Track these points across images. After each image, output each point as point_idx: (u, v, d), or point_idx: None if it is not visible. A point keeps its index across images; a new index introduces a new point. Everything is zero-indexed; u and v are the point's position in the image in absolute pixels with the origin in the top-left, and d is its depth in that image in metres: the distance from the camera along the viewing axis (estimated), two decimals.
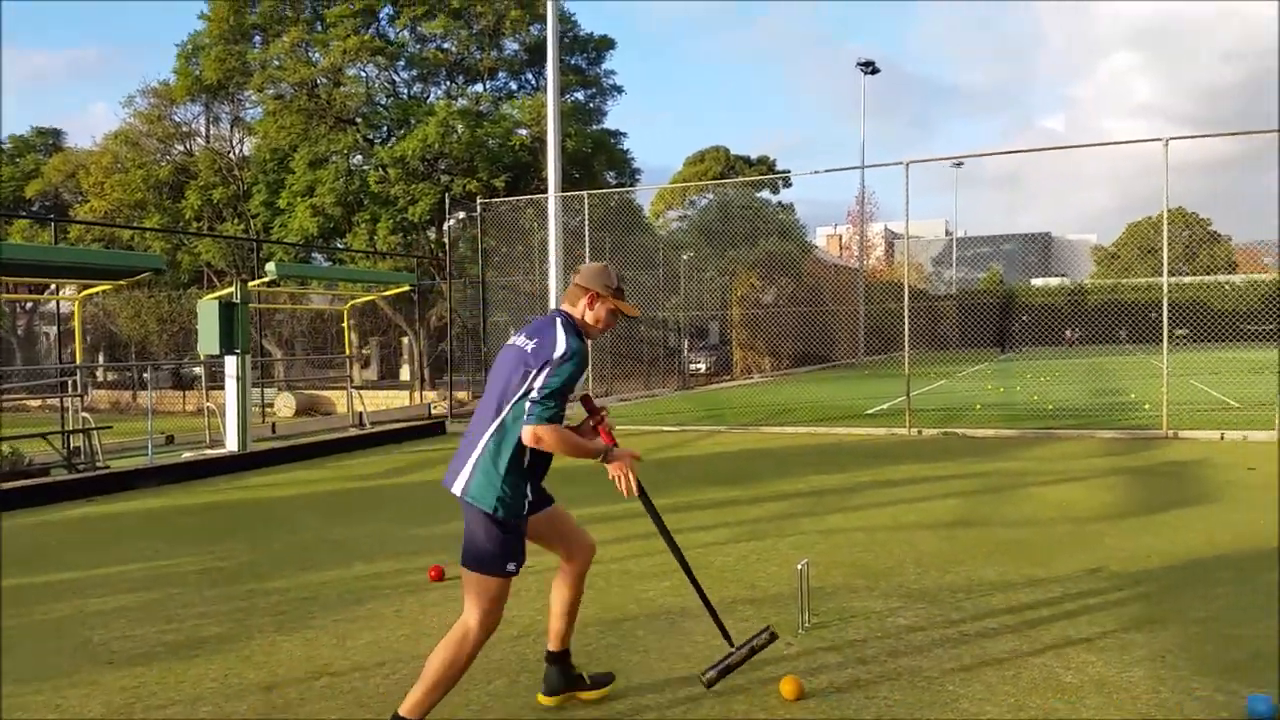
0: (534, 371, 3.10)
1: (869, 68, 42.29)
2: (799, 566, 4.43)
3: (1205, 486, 7.91)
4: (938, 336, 47.03)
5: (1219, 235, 69.00)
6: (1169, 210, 11.63)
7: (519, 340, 3.29)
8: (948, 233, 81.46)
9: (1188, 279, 56.10)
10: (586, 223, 16.49)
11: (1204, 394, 16.48)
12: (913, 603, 4.73)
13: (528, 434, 3.03)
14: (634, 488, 3.25)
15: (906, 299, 13.36)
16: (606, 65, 30.42)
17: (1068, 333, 44.74)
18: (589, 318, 3.33)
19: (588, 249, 15.18)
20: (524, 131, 26.34)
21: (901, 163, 13.01)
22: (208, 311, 10.97)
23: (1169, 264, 11.71)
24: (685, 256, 31.44)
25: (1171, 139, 11.03)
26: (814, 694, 3.57)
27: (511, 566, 3.10)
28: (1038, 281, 61.13)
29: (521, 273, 23.20)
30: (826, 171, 16.89)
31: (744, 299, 33.20)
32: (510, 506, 3.08)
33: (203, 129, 31.98)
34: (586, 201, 15.96)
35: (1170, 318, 11.49)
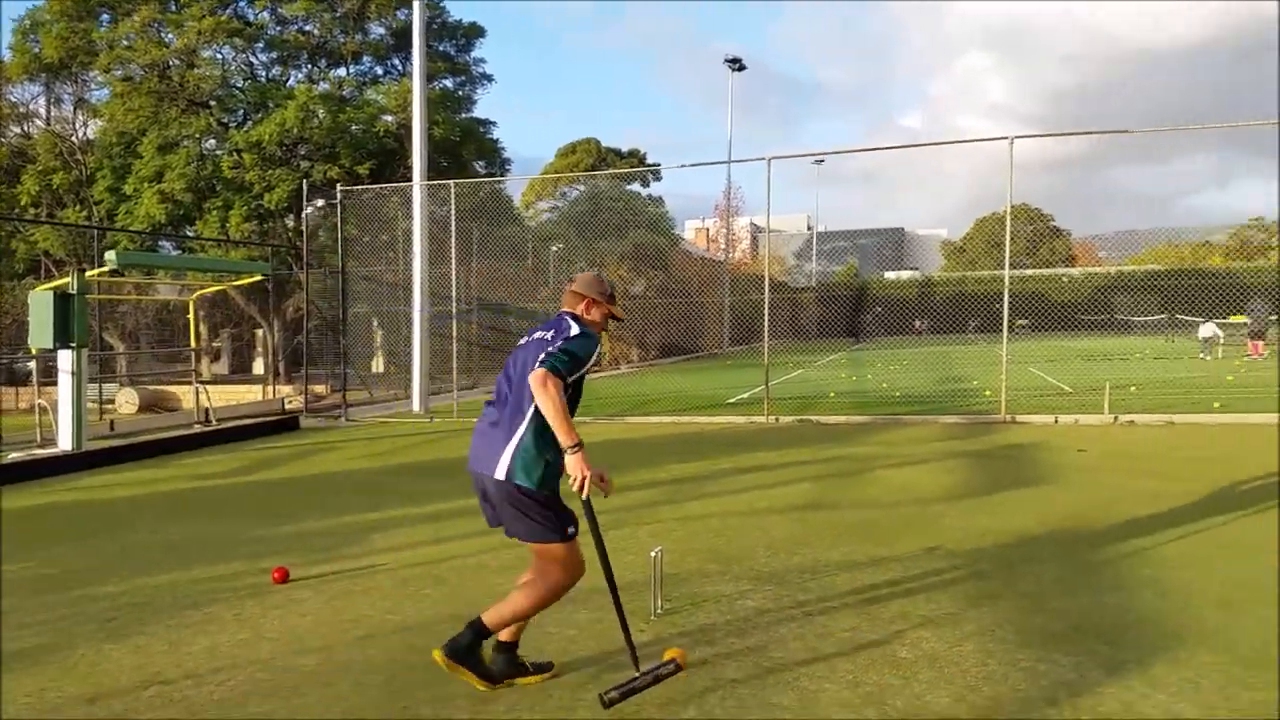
0: (562, 357, 3.30)
1: (736, 64, 43.07)
2: (652, 554, 4.47)
3: (1039, 468, 8.40)
4: (798, 327, 48.40)
5: (1060, 230, 73.55)
6: (1013, 206, 12.28)
7: (536, 334, 3.56)
8: (809, 227, 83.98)
9: (1029, 272, 59.65)
10: (453, 212, 16.20)
11: (1041, 380, 17.54)
12: (762, 585, 4.85)
13: (537, 375, 3.22)
14: (584, 491, 3.29)
15: (767, 291, 13.69)
16: (476, 53, 29.93)
17: (917, 323, 46.85)
18: (586, 320, 3.59)
19: (453, 239, 14.91)
20: (390, 118, 25.67)
21: (764, 159, 13.29)
22: (40, 303, 10.27)
23: (1012, 257, 12.36)
24: (555, 248, 31.33)
25: (1017, 138, 11.65)
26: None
27: (571, 530, 3.41)
28: (891, 274, 63.75)
29: (385, 263, 22.61)
30: (693, 165, 17.31)
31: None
32: (550, 483, 3.35)
33: (42, 110, 29.82)
34: (453, 190, 15.68)
35: (1012, 308, 12.14)
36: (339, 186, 17.07)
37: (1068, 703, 3.30)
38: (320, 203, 24.84)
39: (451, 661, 3.45)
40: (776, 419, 12.77)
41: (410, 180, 16.08)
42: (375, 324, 24.08)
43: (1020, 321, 46.80)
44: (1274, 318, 24.29)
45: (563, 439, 3.22)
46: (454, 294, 15.95)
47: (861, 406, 13.88)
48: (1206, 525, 5.89)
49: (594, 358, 3.42)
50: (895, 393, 16.26)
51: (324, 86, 26.36)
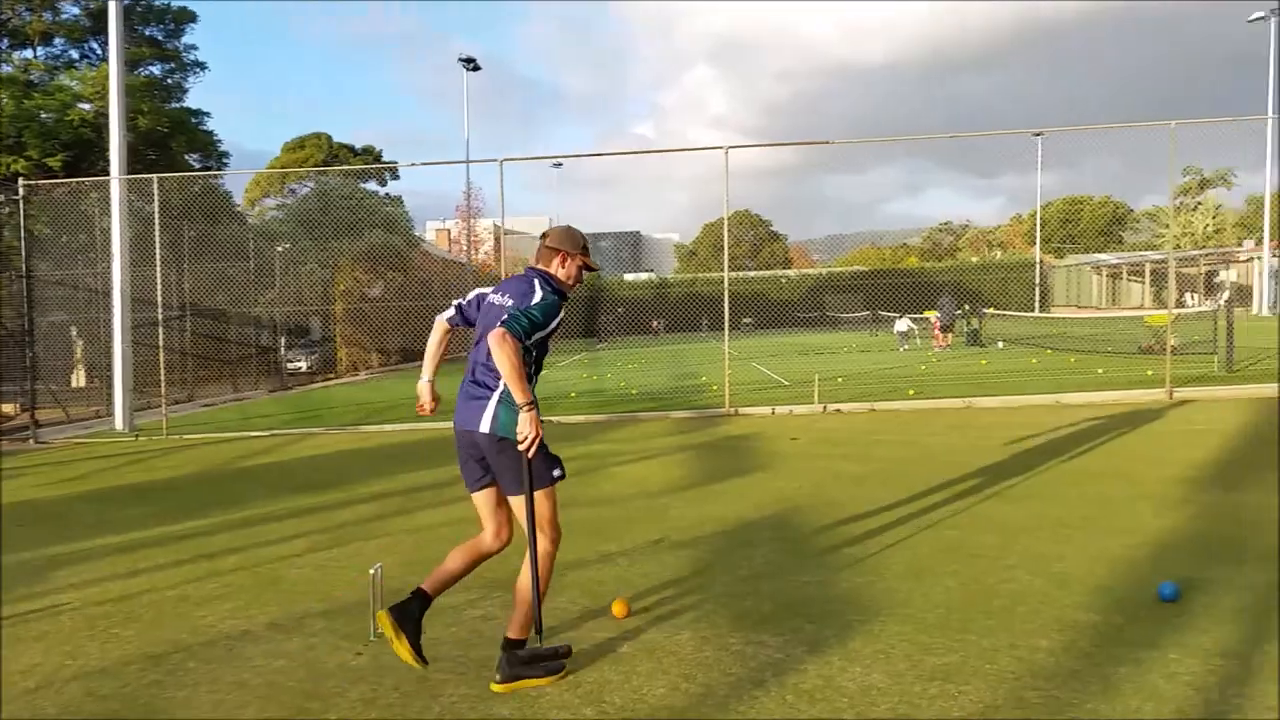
0: (526, 321, 3.44)
1: (470, 64, 42.62)
2: (371, 571, 4.27)
3: (757, 457, 8.92)
4: None
5: (778, 234, 79.06)
6: (736, 211, 12.95)
7: (496, 298, 3.70)
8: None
9: (752, 273, 63.69)
10: (157, 210, 14.82)
11: (762, 374, 18.70)
12: (491, 592, 4.78)
13: (495, 334, 3.34)
14: (534, 448, 3.40)
15: None
16: (188, 39, 27.65)
17: (655, 323, 48.59)
18: (561, 274, 3.69)
19: (158, 238, 13.64)
20: (87, 106, 23.12)
21: (496, 160, 13.20)
22: None
23: (735, 260, 13.05)
24: (281, 248, 29.53)
25: (731, 147, 12.31)
26: (378, 699, 3.45)
27: (557, 472, 3.62)
28: (630, 276, 65.75)
29: (84, 265, 20.34)
30: (424, 164, 16.90)
31: (348, 293, 31.99)
32: (511, 428, 3.44)
33: None
34: (157, 185, 14.34)
35: (736, 308, 12.81)
36: (21, 181, 15.14)
37: (774, 682, 3.49)
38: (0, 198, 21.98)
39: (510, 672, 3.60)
40: None
41: (109, 174, 14.53)
42: (75, 333, 21.64)
43: (745, 320, 49.88)
44: (959, 312, 27.33)
45: (517, 396, 3.34)
46: (160, 299, 14.59)
47: (600, 405, 14.15)
48: (898, 503, 6.48)
49: (558, 320, 3.56)
50: (633, 390, 16.72)
51: (7, 69, 23.36)
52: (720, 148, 12.26)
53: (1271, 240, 45.30)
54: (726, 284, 12.80)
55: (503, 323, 3.37)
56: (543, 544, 3.62)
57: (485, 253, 58.28)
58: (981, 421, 10.81)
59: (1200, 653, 3.53)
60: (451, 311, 3.96)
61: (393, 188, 44.16)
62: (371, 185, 40.47)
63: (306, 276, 30.63)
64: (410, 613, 3.66)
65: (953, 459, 8.21)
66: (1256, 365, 14.97)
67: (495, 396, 3.52)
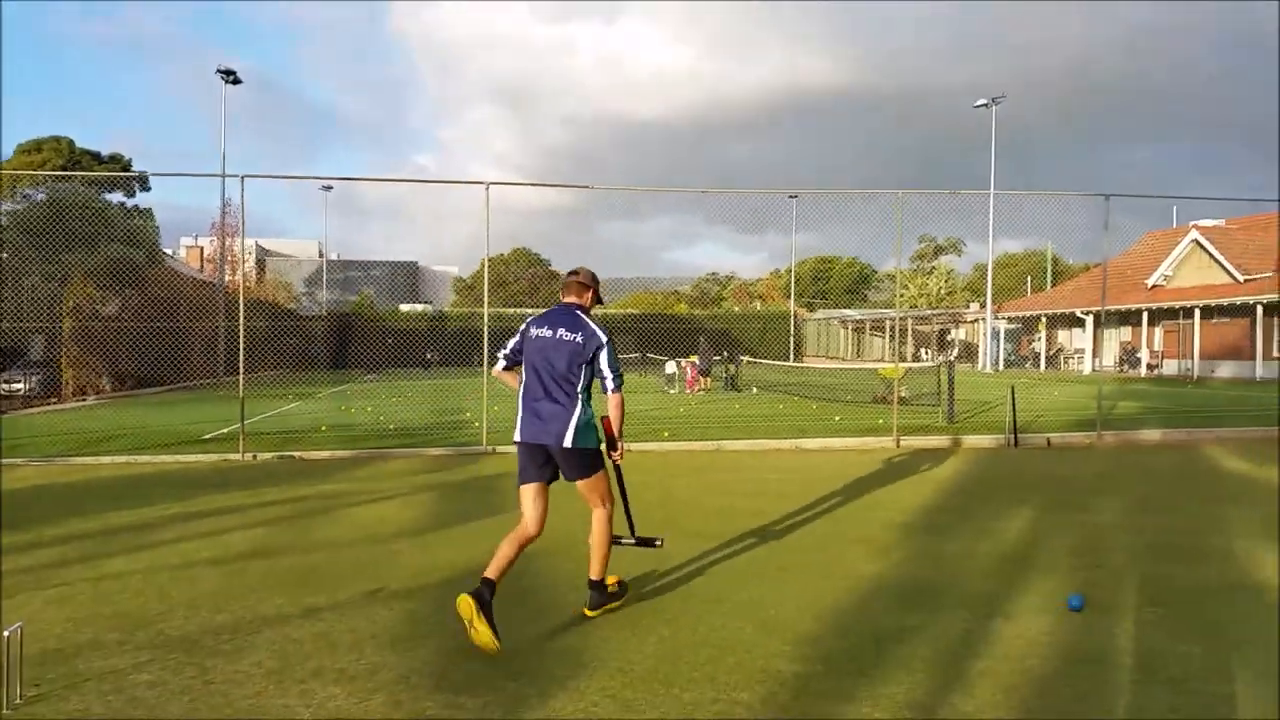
0: (593, 355, 4.58)
1: (229, 76, 40.25)
2: (6, 634, 3.65)
3: (505, 498, 8.64)
4: (308, 356, 46.32)
5: (556, 273, 79.64)
6: (515, 248, 12.74)
7: (560, 334, 4.61)
8: (321, 254, 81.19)
9: (528, 310, 63.83)
10: None
11: None
12: (166, 654, 4.24)
13: (615, 398, 4.66)
14: (619, 459, 4.87)
15: (241, 318, 12.64)
16: None
17: (428, 355, 47.41)
18: (589, 305, 4.77)
19: None
20: None
21: (237, 176, 12.32)
22: None
23: (513, 296, 12.84)
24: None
25: (491, 184, 12.12)
26: None
27: (607, 462, 4.79)
28: (405, 307, 63.99)
29: None
30: (155, 175, 15.53)
31: (79, 310, 28.92)
32: (596, 440, 4.59)
33: None
34: None
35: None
36: None
37: None
38: None
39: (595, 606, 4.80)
40: (254, 456, 11.81)
41: None
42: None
43: None
44: (717, 358, 28.37)
45: (618, 431, 4.73)
46: None
47: (350, 441, 13.42)
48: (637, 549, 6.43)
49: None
50: (390, 425, 16.03)
51: None
52: (482, 183, 12.05)
53: (994, 303, 50.44)
54: (486, 318, 12.54)
55: (615, 389, 4.69)
56: (604, 511, 4.79)
57: (245, 274, 54.86)
58: (726, 464, 11.12)
59: (891, 705, 3.62)
60: (502, 363, 4.92)
61: (144, 200, 40.72)
62: (118, 196, 37.10)
63: (29, 291, 27.46)
64: (486, 599, 4.20)
65: (692, 502, 8.32)
66: (976, 417, 16.41)
67: (574, 420, 4.54)
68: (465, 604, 4.15)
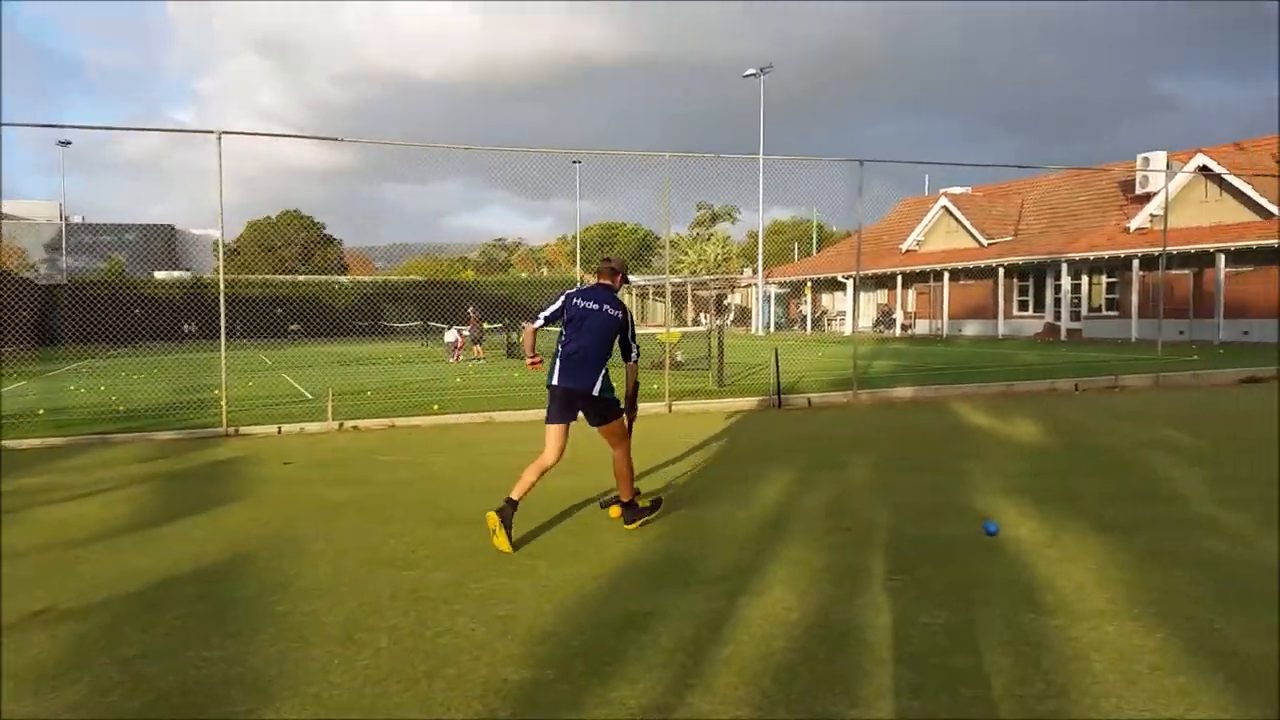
0: (626, 328, 5.88)
1: None
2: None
3: (233, 487, 7.75)
4: (47, 330, 41.52)
5: (332, 238, 75.53)
6: (285, 211, 11.51)
7: (605, 308, 5.85)
8: (62, 216, 73.16)
9: (301, 278, 60.12)
10: None
11: (289, 388, 17.17)
12: None
13: (634, 366, 6.04)
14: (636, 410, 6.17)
15: None
16: None
17: (186, 326, 43.71)
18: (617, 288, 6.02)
19: None
20: None
21: None
22: None
23: (284, 263, 11.62)
24: None
25: (223, 133, 10.83)
26: None
27: (619, 412, 5.91)
28: (161, 274, 58.81)
29: None
30: None
31: None
32: (614, 393, 5.82)
33: None
34: None
35: (286, 314, 11.36)
36: None
37: None
38: None
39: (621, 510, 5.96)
40: None
41: None
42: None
43: (293, 326, 46.79)
44: (496, 325, 27.70)
45: (634, 393, 6.07)
46: None
47: (65, 426, 11.80)
48: (372, 538, 5.81)
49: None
50: (120, 406, 14.33)
51: None
52: (213, 131, 10.74)
53: (765, 269, 52.49)
54: (222, 286, 11.32)
55: (636, 358, 6.01)
56: (622, 449, 5.87)
57: None
58: (494, 437, 10.61)
59: (623, 710, 3.26)
60: (540, 321, 5.93)
61: None
62: None
63: None
64: (508, 515, 5.31)
65: (449, 480, 7.77)
66: (745, 379, 16.72)
67: (603, 375, 5.69)
68: (491, 518, 5.31)
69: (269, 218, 69.93)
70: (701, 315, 63.22)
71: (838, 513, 6.26)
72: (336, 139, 11.75)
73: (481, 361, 24.80)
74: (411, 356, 28.71)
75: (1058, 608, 4.21)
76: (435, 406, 13.30)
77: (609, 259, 6.01)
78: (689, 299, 61.80)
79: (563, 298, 5.89)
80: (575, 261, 63.74)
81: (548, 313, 5.91)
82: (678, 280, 63.24)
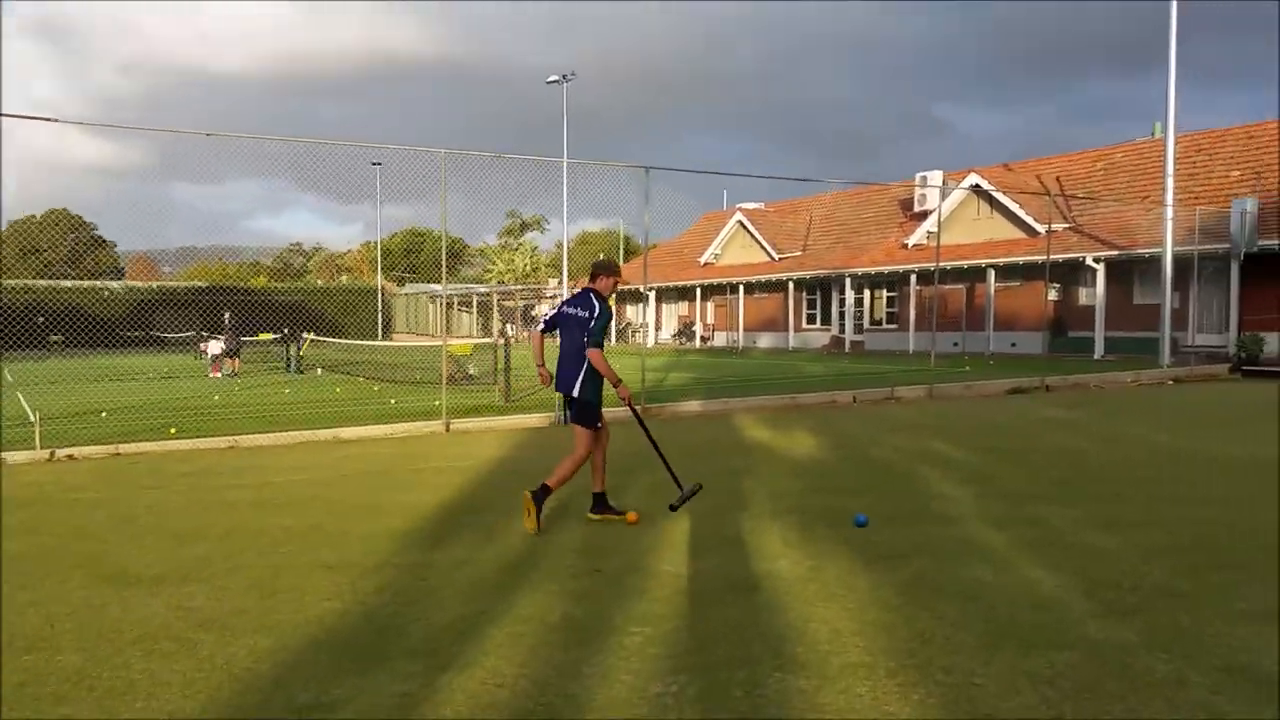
0: (588, 324, 6.08)
1: None
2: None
3: None
4: None
5: (104, 240, 69.02)
6: (52, 210, 9.62)
7: (574, 311, 6.17)
8: None
9: (67, 283, 54.41)
10: None
11: (16, 409, 14.94)
12: None
13: (594, 352, 6.05)
14: (630, 402, 6.46)
15: None
16: None
17: None
18: (604, 288, 6.24)
19: None
20: None
21: None
22: None
23: (51, 267, 9.75)
24: None
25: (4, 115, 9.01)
26: None
27: (598, 424, 6.24)
28: None
29: None
30: None
31: None
32: (594, 396, 6.18)
33: None
34: None
35: (47, 322, 9.48)
36: None
37: None
38: None
39: (530, 502, 6.04)
40: None
41: None
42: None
43: (55, 337, 42.02)
44: (267, 337, 25.68)
45: (611, 380, 6.11)
46: None
47: None
48: (16, 607, 4.63)
49: (611, 318, 6.17)
50: None
51: None
52: None
53: (572, 279, 52.09)
54: None
55: (589, 344, 6.07)
56: (580, 451, 6.24)
57: None
58: (233, 466, 9.35)
59: None
60: (542, 325, 6.47)
61: None
62: None
63: None
64: (540, 499, 6.05)
65: (152, 524, 6.56)
66: (536, 395, 15.98)
67: (581, 376, 6.12)
68: (526, 498, 6.02)
69: (33, 217, 63.18)
70: (508, 326, 62.08)
71: (592, 550, 5.61)
72: (111, 125, 10.03)
73: (235, 376, 22.83)
74: (177, 370, 26.17)
75: (809, 663, 3.69)
76: (172, 430, 11.76)
77: (596, 263, 6.36)
78: (494, 309, 60.57)
79: (560, 304, 6.40)
80: (377, 269, 61.22)
81: (547, 319, 6.41)
82: (483, 290, 61.88)
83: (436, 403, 14.23)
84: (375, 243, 65.72)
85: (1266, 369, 20.73)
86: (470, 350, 19.33)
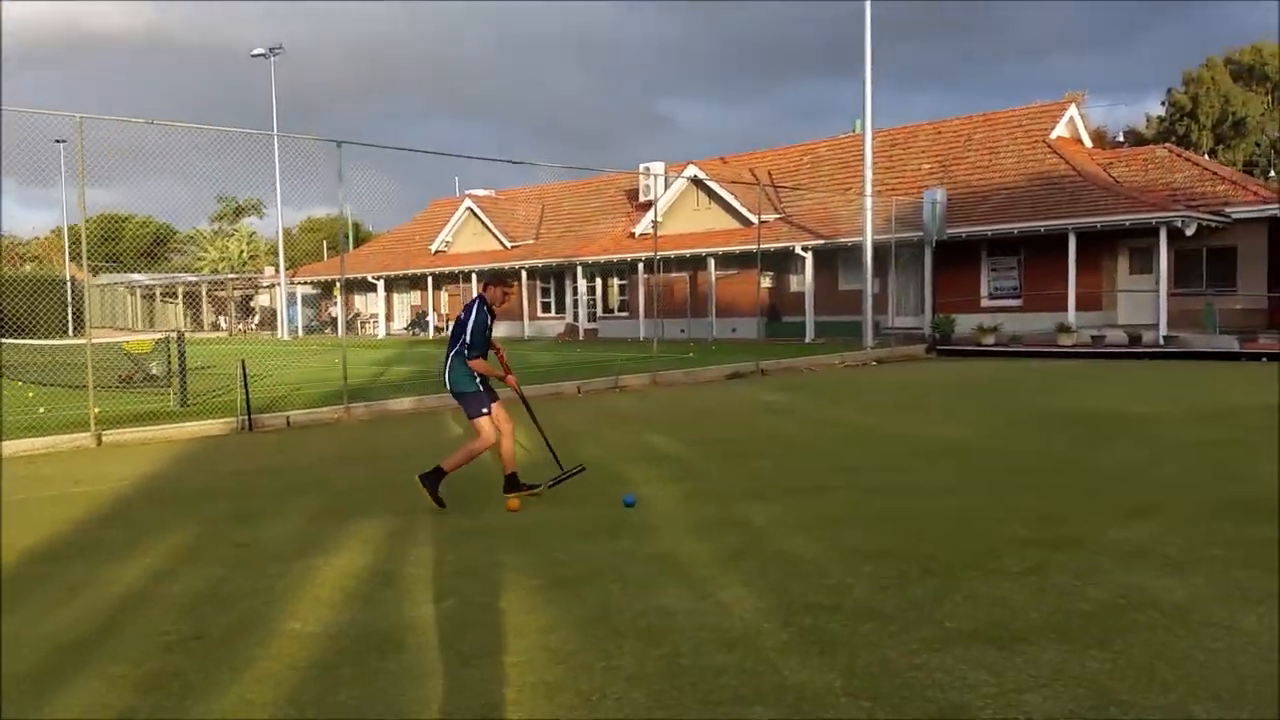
0: (463, 331, 6.50)
1: None
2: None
3: None
4: None
5: None
6: None
7: (461, 316, 6.58)
8: None
9: None
10: None
11: None
12: None
13: (474, 363, 6.42)
14: (518, 390, 6.92)
15: None
16: None
17: None
18: (491, 297, 6.65)
19: None
20: None
21: None
22: None
23: None
24: None
25: None
26: None
27: (485, 410, 6.46)
28: None
29: None
30: None
31: None
32: (459, 384, 6.51)
33: None
34: None
35: None
36: None
37: None
38: None
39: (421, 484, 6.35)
40: None
41: None
42: None
43: None
44: None
45: (498, 375, 6.74)
46: None
47: None
48: None
49: (491, 322, 6.58)
50: None
51: None
52: None
53: (294, 268, 48.60)
54: None
55: (470, 355, 6.43)
56: (476, 445, 6.50)
57: None
58: None
59: None
60: (467, 349, 6.54)
61: None
62: None
63: None
64: (431, 483, 6.37)
65: None
66: (223, 396, 14.10)
67: (448, 370, 6.54)
68: (417, 483, 6.39)
69: None
70: (220, 319, 57.05)
71: (213, 600, 4.44)
72: None
73: None
74: None
75: None
76: None
77: (482, 273, 7.28)
78: (203, 300, 55.47)
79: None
80: (65, 257, 53.99)
81: (465, 343, 6.52)
82: (192, 279, 56.35)
83: (98, 409, 12.11)
84: (74, 228, 58.07)
85: (958, 348, 22.45)
86: (150, 347, 16.89)
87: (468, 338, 6.48)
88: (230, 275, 59.05)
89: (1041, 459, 7.95)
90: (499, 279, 6.94)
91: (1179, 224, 21.22)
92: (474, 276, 37.50)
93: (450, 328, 6.98)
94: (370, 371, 19.86)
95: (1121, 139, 33.04)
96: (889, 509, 6.07)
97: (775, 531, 5.51)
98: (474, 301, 6.68)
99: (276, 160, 30.55)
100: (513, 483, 6.72)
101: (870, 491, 6.70)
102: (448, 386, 6.64)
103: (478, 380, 6.52)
